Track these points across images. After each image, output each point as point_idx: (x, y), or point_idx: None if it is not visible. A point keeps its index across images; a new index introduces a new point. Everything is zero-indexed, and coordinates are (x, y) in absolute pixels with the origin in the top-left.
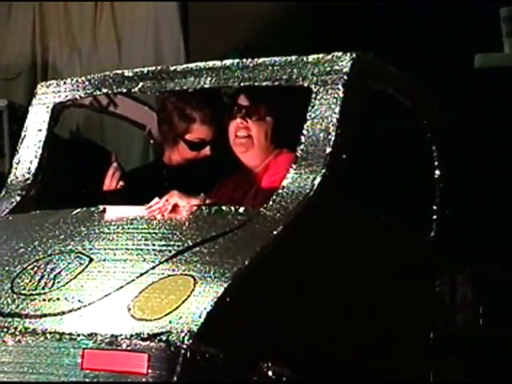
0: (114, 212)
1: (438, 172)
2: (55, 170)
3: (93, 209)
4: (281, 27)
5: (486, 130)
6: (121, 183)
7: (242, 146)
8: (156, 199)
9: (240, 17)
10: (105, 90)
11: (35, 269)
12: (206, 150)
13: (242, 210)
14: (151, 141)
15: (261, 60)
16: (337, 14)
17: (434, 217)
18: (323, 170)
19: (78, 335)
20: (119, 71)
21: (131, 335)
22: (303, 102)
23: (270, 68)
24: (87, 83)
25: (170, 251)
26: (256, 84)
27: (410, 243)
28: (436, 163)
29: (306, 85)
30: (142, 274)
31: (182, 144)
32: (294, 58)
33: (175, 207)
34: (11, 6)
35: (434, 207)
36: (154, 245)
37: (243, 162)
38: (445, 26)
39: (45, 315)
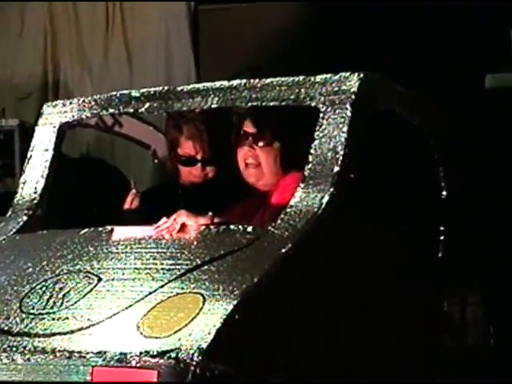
0: (121, 233)
1: (445, 192)
2: (65, 189)
3: (101, 229)
4: (290, 48)
5: (497, 149)
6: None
7: (253, 175)
8: (164, 219)
9: (250, 36)
10: (111, 110)
11: (44, 288)
12: (197, 168)
13: (250, 228)
14: (155, 160)
15: (268, 80)
16: (346, 34)
17: (442, 237)
18: (331, 189)
19: (87, 353)
20: (126, 91)
21: (140, 352)
22: (310, 123)
23: (278, 88)
24: (93, 103)
25: (178, 270)
26: (263, 104)
27: (417, 262)
28: (443, 184)
29: (313, 105)
30: (150, 293)
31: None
32: (301, 78)
33: (183, 226)
34: (23, 26)
35: (442, 227)
36: (162, 264)
37: (253, 187)
38: (456, 46)
39: (54, 334)
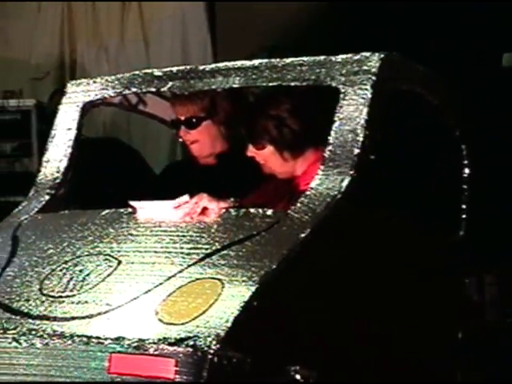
0: (143, 208)
1: (466, 171)
2: (82, 169)
3: (121, 210)
4: (307, 26)
5: None
6: None
7: (267, 171)
8: (186, 197)
9: (267, 15)
10: (134, 89)
11: (64, 270)
12: (182, 131)
13: (269, 212)
14: (179, 139)
15: (289, 60)
16: (363, 15)
17: (463, 216)
18: (351, 172)
19: (106, 339)
20: (149, 70)
21: (158, 339)
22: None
23: (299, 68)
24: (117, 82)
25: (197, 254)
26: (284, 84)
27: (438, 243)
28: (465, 162)
29: (334, 85)
30: (169, 278)
31: None
32: (322, 58)
33: (204, 210)
34: (40, 7)
35: (463, 206)
36: (182, 248)
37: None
38: (473, 24)
39: (73, 318)
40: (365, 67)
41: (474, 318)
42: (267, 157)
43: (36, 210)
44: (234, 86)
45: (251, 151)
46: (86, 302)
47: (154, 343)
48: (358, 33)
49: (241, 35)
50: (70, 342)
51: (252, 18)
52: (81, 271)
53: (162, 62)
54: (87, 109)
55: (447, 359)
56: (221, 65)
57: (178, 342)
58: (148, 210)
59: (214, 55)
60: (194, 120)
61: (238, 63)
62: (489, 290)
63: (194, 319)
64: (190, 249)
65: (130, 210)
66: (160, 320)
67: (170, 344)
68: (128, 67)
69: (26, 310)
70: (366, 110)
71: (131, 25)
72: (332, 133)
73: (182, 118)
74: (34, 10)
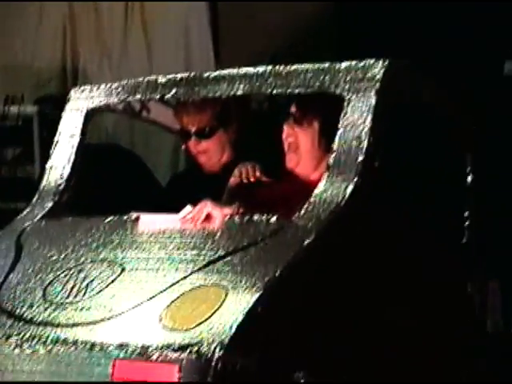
0: (147, 221)
1: (470, 178)
2: (85, 175)
3: (125, 217)
4: (308, 35)
5: None
6: None
7: (292, 160)
8: (189, 208)
9: (270, 19)
10: (138, 96)
11: (67, 277)
12: (192, 142)
13: (273, 219)
14: (183, 146)
15: (293, 67)
16: (364, 21)
17: (467, 223)
18: (355, 179)
19: (109, 345)
20: (152, 77)
21: (162, 346)
22: None
23: (303, 75)
24: (120, 89)
25: (201, 261)
26: (289, 91)
27: (442, 250)
28: (468, 169)
29: (338, 92)
30: (173, 284)
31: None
32: (326, 65)
33: (208, 216)
34: (42, 13)
35: (467, 213)
36: (186, 254)
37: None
38: (474, 32)
39: (76, 324)
40: (369, 74)
41: (476, 323)
42: (306, 136)
43: (40, 216)
44: (239, 93)
45: (289, 127)
46: (90, 308)
47: (158, 349)
48: (361, 39)
49: (243, 41)
50: (73, 348)
51: (256, 25)
52: (84, 278)
53: (164, 69)
54: (91, 115)
55: (451, 362)
56: (225, 72)
57: (182, 348)
58: (153, 223)
59: (216, 62)
60: (207, 129)
61: (243, 70)
62: (492, 297)
63: (197, 325)
64: (194, 255)
65: (133, 217)
66: (164, 326)
67: (174, 350)
68: (131, 74)
69: (29, 316)
70: (370, 117)
71: (134, 31)
72: (336, 140)
73: (193, 129)
74: (36, 16)
